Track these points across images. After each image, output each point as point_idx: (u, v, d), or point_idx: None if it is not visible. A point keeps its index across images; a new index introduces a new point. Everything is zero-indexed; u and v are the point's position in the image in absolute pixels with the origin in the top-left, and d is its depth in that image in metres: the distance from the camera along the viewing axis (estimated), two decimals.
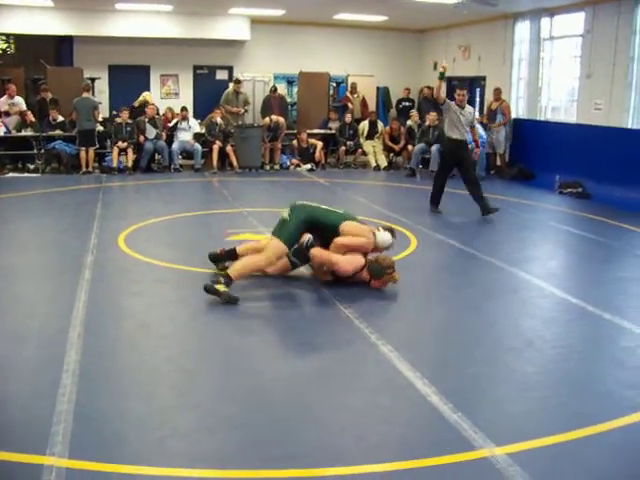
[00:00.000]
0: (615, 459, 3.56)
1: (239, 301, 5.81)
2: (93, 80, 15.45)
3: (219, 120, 14.15)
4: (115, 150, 13.35)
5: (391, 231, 6.64)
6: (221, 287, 5.85)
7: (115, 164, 13.36)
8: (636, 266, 7.76)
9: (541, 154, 13.89)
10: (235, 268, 6.12)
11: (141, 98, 15.30)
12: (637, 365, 4.83)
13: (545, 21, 14.35)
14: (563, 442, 3.68)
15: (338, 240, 6.31)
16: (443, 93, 9.73)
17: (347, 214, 6.65)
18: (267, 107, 15.61)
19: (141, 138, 13.55)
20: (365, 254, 6.45)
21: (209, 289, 5.86)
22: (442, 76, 9.76)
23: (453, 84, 17.95)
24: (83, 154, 13.33)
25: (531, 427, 3.86)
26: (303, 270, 6.72)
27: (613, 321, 5.66)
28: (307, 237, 6.42)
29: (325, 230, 6.42)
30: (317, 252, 6.30)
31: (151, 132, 13.66)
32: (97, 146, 13.65)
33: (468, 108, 10.09)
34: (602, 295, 6.47)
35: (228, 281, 5.94)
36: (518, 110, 15.25)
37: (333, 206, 6.85)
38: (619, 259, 8.02)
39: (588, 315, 5.84)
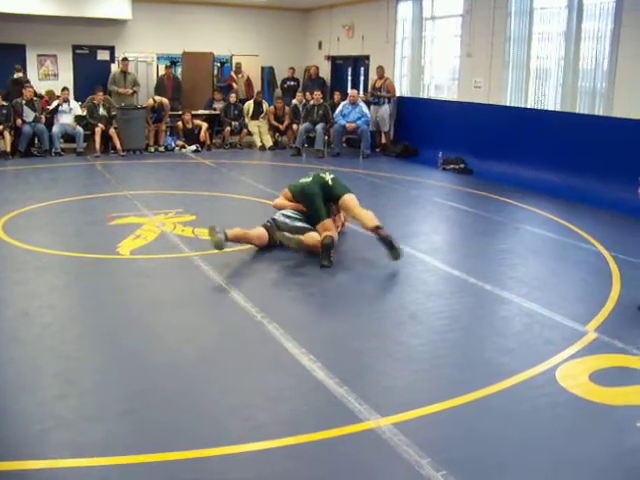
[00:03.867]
0: (493, 422, 3.71)
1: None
2: None
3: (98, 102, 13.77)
4: None
5: None
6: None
7: None
8: (515, 238, 8.06)
9: (425, 131, 14.20)
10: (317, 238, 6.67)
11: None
12: (514, 332, 5.04)
13: (427, 1, 14.60)
14: (446, 409, 3.81)
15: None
16: None
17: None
18: (161, 87, 15.47)
19: (18, 121, 13.01)
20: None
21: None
22: None
23: (337, 63, 18.16)
24: None
25: (415, 397, 3.97)
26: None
27: (493, 292, 5.88)
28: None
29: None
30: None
31: (29, 115, 13.13)
32: None
33: None
34: (483, 267, 6.71)
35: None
36: (402, 88, 15.50)
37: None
38: (499, 232, 8.31)
39: (470, 287, 6.04)
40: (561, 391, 4.07)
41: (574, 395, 4.01)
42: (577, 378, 4.24)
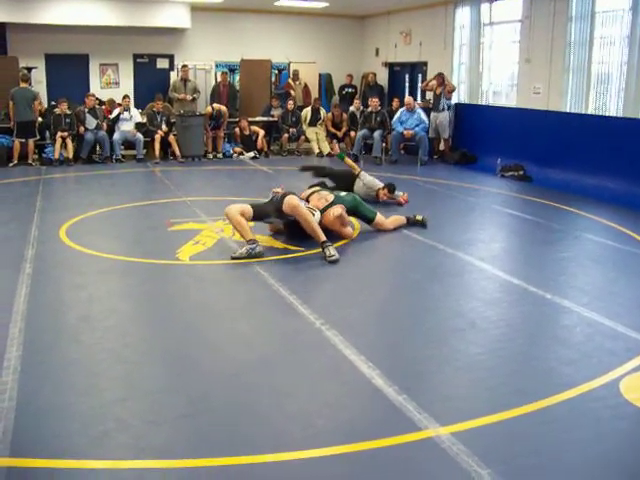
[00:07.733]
0: (555, 433, 3.63)
1: None
2: (29, 69, 15.12)
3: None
4: (58, 142, 13.04)
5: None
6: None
7: (57, 156, 13.08)
8: (575, 246, 7.91)
9: (483, 138, 14.05)
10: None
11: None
12: (576, 342, 4.94)
13: (485, 7, 14.50)
14: (505, 419, 3.75)
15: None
16: None
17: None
18: (216, 94, 15.68)
19: (81, 129, 13.31)
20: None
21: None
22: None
23: (395, 69, 18.12)
24: (17, 145, 12.99)
25: (474, 406, 3.92)
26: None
27: (554, 301, 5.77)
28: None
29: None
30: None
31: (91, 122, 13.41)
32: (38, 137, 13.31)
33: None
34: (543, 276, 6.59)
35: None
36: (460, 95, 15.39)
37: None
38: (559, 240, 8.16)
39: (530, 295, 5.95)
40: (625, 404, 3.96)
41: (639, 408, 3.91)
42: None
